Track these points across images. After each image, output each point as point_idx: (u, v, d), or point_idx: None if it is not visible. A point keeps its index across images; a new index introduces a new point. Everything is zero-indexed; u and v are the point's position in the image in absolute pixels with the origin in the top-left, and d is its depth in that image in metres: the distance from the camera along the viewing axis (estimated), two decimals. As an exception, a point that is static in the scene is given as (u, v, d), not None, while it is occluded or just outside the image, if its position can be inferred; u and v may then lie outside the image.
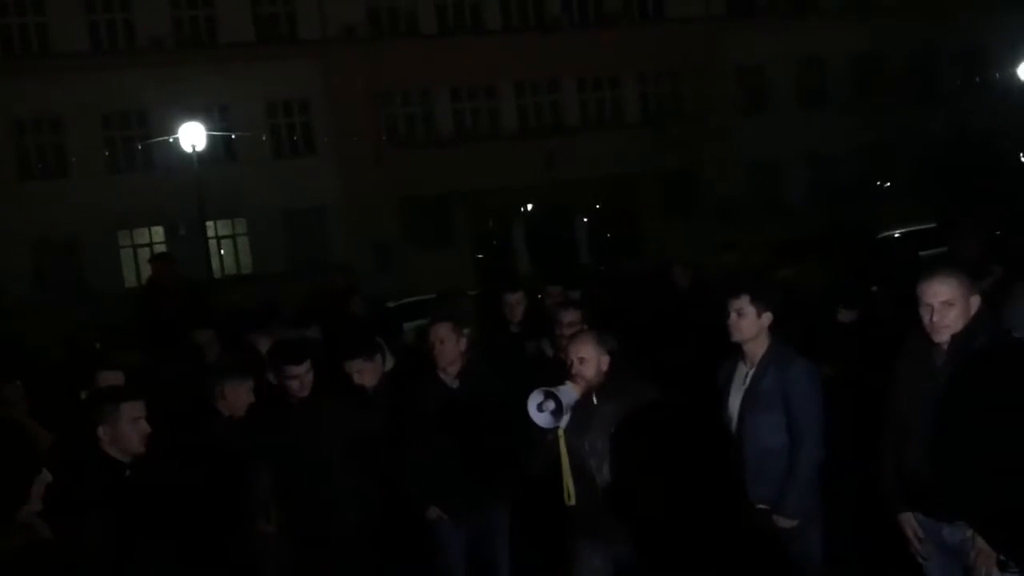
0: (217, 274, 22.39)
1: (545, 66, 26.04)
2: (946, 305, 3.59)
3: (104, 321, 12.48)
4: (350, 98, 24.78)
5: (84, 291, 22.93)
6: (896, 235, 16.19)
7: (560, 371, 4.20)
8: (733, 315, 4.31)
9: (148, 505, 3.13)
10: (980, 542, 3.31)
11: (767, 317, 4.32)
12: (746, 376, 4.29)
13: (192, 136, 21.09)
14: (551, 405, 3.83)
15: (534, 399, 3.84)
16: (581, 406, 3.97)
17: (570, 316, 5.40)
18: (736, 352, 4.37)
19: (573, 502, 4.06)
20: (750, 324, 4.29)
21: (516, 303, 6.34)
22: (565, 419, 3.88)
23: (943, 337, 3.61)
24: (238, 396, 4.51)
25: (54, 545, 2.46)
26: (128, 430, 3.47)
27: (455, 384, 4.82)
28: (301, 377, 4.45)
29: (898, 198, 25.25)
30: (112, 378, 4.32)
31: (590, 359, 4.08)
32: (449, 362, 4.80)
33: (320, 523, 4.28)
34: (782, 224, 21.85)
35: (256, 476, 3.55)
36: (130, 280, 24.01)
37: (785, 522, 4.12)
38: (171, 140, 21.92)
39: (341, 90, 24.75)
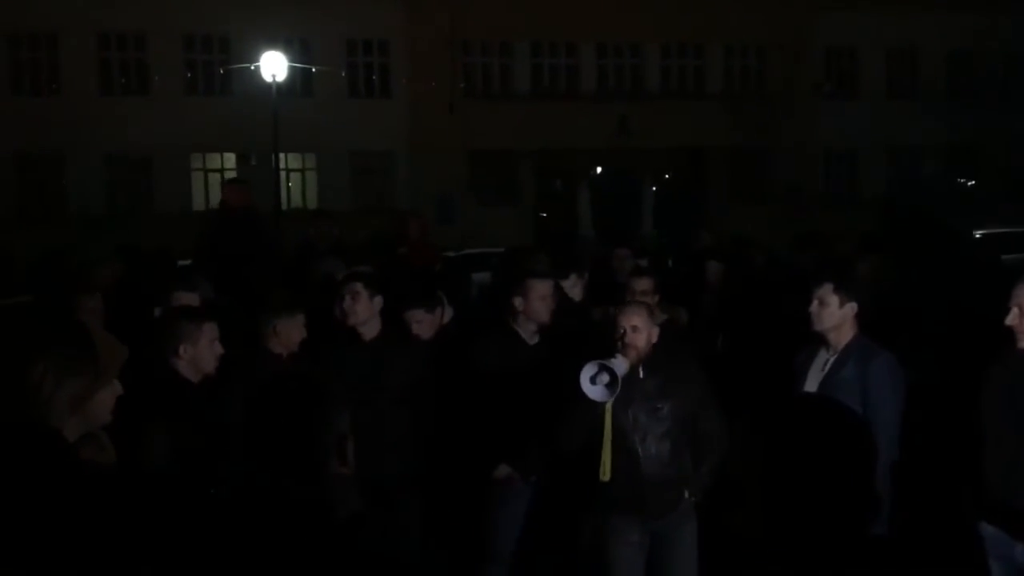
0: (284, 206, 22.58)
1: (629, 28, 25.60)
2: None
3: (172, 241, 12.64)
4: (429, 43, 24.65)
5: (152, 210, 23.33)
6: (977, 236, 15.68)
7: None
8: (815, 303, 4.20)
9: (217, 426, 3.13)
10: None
11: (851, 307, 4.19)
12: (826, 363, 4.18)
13: (273, 66, 21.21)
14: (605, 378, 3.76)
15: (587, 371, 3.76)
16: (627, 378, 3.89)
17: (643, 284, 5.28)
18: (816, 340, 4.23)
19: (608, 478, 4.02)
20: (832, 313, 4.19)
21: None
22: (616, 392, 3.81)
23: (1023, 343, 3.49)
24: (291, 333, 4.47)
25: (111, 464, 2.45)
26: (207, 350, 3.54)
27: (534, 341, 4.73)
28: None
29: (982, 199, 24.44)
30: (187, 299, 4.33)
31: (643, 329, 4.03)
32: (537, 319, 4.69)
33: (371, 468, 4.25)
34: (856, 217, 21.27)
35: (334, 414, 3.54)
36: (198, 203, 24.39)
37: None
38: (252, 68, 22.06)
39: (421, 34, 24.63)
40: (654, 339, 4.07)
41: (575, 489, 4.26)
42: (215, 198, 23.97)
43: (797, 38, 26.21)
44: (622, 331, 4.01)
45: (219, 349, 3.58)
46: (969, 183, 26.46)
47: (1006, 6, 25.73)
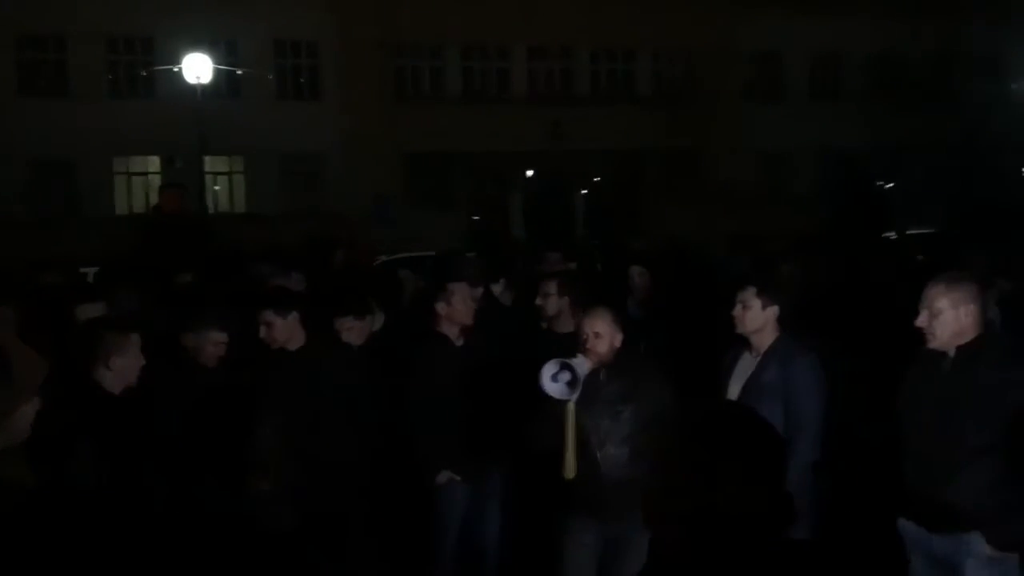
0: (211, 210, 22.18)
1: (559, 32, 25.75)
2: (938, 312, 3.56)
3: (94, 246, 12.33)
4: (359, 46, 24.45)
5: (76, 214, 22.73)
6: (893, 237, 16.12)
7: (555, 344, 4.13)
8: (739, 306, 4.28)
9: (138, 439, 3.07)
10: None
11: (773, 310, 4.28)
12: (750, 366, 4.25)
13: (197, 68, 20.79)
14: (566, 376, 3.80)
15: (548, 369, 3.80)
16: (588, 382, 3.94)
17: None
18: (742, 342, 4.31)
19: (572, 476, 4.03)
20: (755, 316, 4.28)
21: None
22: (578, 391, 3.84)
23: (935, 343, 3.59)
24: (214, 346, 4.38)
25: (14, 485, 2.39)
26: (132, 362, 3.50)
27: (460, 342, 4.77)
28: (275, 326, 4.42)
29: (902, 200, 25.20)
30: (90, 310, 4.22)
31: (605, 335, 4.05)
32: (460, 321, 4.75)
33: (309, 481, 4.22)
34: (786, 216, 21.74)
35: (259, 428, 3.50)
36: (121, 207, 23.86)
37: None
38: (176, 70, 21.60)
39: (351, 36, 24.41)
40: (617, 344, 4.10)
41: (544, 489, 4.28)
42: (139, 202, 23.70)
43: (724, 43, 26.69)
44: (585, 336, 4.04)
45: (142, 360, 3.53)
46: (890, 185, 27.21)
47: (927, 11, 26.59)
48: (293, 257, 6.90)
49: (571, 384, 3.79)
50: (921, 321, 3.61)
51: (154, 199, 23.18)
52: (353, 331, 4.87)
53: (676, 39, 26.67)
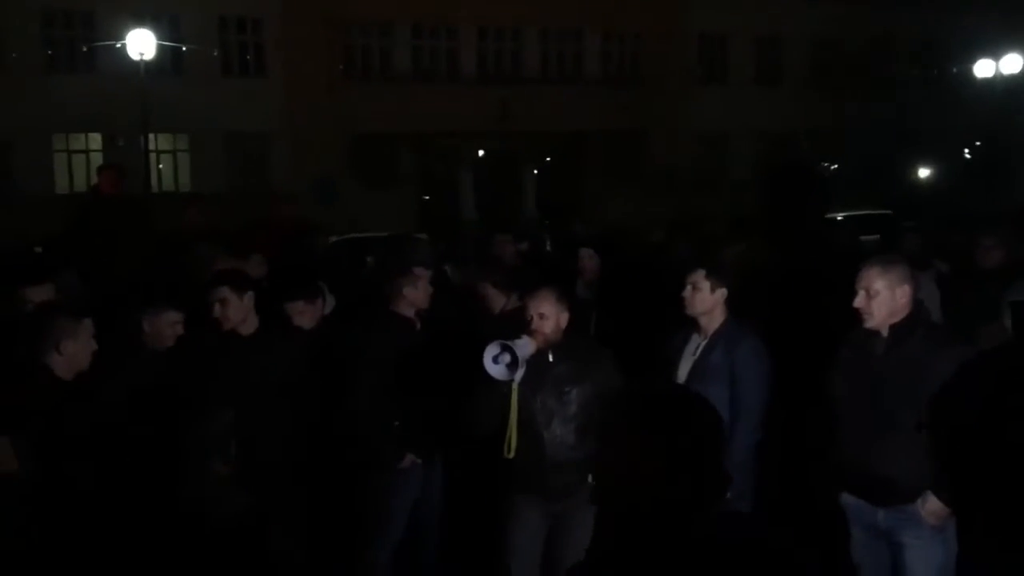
0: (154, 189, 21.75)
1: (508, 13, 25.67)
2: (875, 293, 3.68)
3: (33, 226, 12.05)
4: (306, 23, 24.10)
5: (13, 193, 22.15)
6: (838, 218, 16.43)
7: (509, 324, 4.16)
8: (688, 289, 4.36)
9: (85, 426, 3.05)
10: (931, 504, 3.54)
11: (721, 293, 4.36)
12: (697, 347, 4.34)
13: (141, 44, 20.29)
14: (507, 358, 3.82)
15: (490, 351, 3.82)
16: (536, 363, 3.96)
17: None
18: (690, 324, 4.40)
19: (512, 455, 4.06)
20: (703, 299, 4.36)
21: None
22: (520, 372, 3.87)
23: (869, 323, 3.71)
24: (163, 329, 4.35)
25: None
26: (84, 347, 3.46)
27: (418, 326, 4.78)
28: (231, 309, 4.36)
29: (843, 183, 25.67)
30: (38, 293, 4.15)
31: (550, 315, 4.06)
32: (421, 305, 4.76)
33: (254, 464, 4.21)
34: (726, 199, 22.03)
35: (213, 413, 3.48)
36: (62, 186, 23.29)
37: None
38: (118, 46, 21.07)
39: (297, 13, 24.05)
40: (563, 324, 4.10)
41: (488, 470, 4.31)
42: (80, 180, 23.14)
43: (671, 25, 26.84)
44: (530, 317, 4.05)
45: (94, 346, 3.50)
46: (832, 167, 27.69)
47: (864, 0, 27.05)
48: (243, 239, 6.85)
49: (511, 366, 3.82)
50: (858, 302, 3.72)
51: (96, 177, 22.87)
52: (304, 315, 4.84)
53: (624, 21, 26.76)
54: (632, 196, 23.60)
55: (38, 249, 6.86)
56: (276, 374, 4.32)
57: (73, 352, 3.45)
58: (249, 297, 4.40)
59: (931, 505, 3.57)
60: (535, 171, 27.84)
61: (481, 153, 27.44)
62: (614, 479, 1.80)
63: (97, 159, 22.63)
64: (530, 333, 3.99)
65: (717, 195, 22.61)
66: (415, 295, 4.71)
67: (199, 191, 23.23)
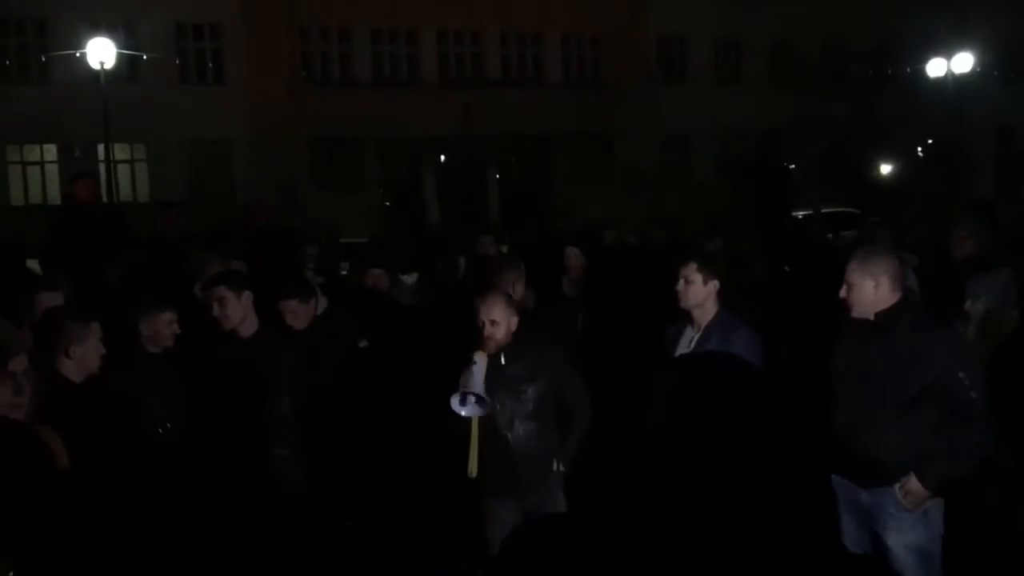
0: (114, 199, 21.45)
1: (469, 16, 25.72)
2: (853, 284, 3.80)
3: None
4: (266, 28, 23.95)
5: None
6: (799, 216, 16.70)
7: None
8: (681, 282, 4.42)
9: (107, 428, 3.04)
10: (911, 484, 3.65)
11: (714, 285, 4.43)
12: (692, 339, 4.40)
13: (100, 52, 19.98)
14: (472, 399, 3.97)
15: (455, 400, 3.96)
16: (490, 366, 4.10)
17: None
18: (685, 317, 4.46)
19: (475, 474, 4.19)
20: (696, 291, 4.41)
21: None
22: (488, 404, 4.00)
23: (854, 313, 3.83)
24: (161, 329, 4.31)
25: None
26: (94, 350, 3.49)
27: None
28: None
29: (803, 181, 26.07)
30: (51, 299, 4.11)
31: (501, 321, 4.21)
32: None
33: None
34: (689, 198, 22.24)
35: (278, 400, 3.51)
36: (17, 198, 22.88)
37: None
38: (77, 55, 20.74)
39: (257, 19, 23.88)
40: (513, 327, 4.24)
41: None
42: (35, 192, 22.72)
43: (630, 27, 27.06)
44: (482, 323, 4.18)
45: (102, 349, 3.52)
46: (791, 166, 28.11)
47: (819, 1, 27.49)
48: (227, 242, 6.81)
49: (480, 402, 3.97)
50: (843, 293, 3.84)
51: (52, 189, 22.47)
52: (298, 314, 4.84)
53: (584, 24, 26.93)
54: (598, 196, 23.72)
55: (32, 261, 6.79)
56: (279, 374, 4.30)
57: (82, 355, 3.46)
58: (247, 296, 4.40)
59: (911, 486, 3.67)
60: (497, 175, 27.90)
61: (443, 157, 27.45)
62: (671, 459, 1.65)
63: (52, 170, 22.36)
64: (482, 341, 4.13)
65: (682, 195, 22.82)
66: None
67: (159, 200, 22.96)
